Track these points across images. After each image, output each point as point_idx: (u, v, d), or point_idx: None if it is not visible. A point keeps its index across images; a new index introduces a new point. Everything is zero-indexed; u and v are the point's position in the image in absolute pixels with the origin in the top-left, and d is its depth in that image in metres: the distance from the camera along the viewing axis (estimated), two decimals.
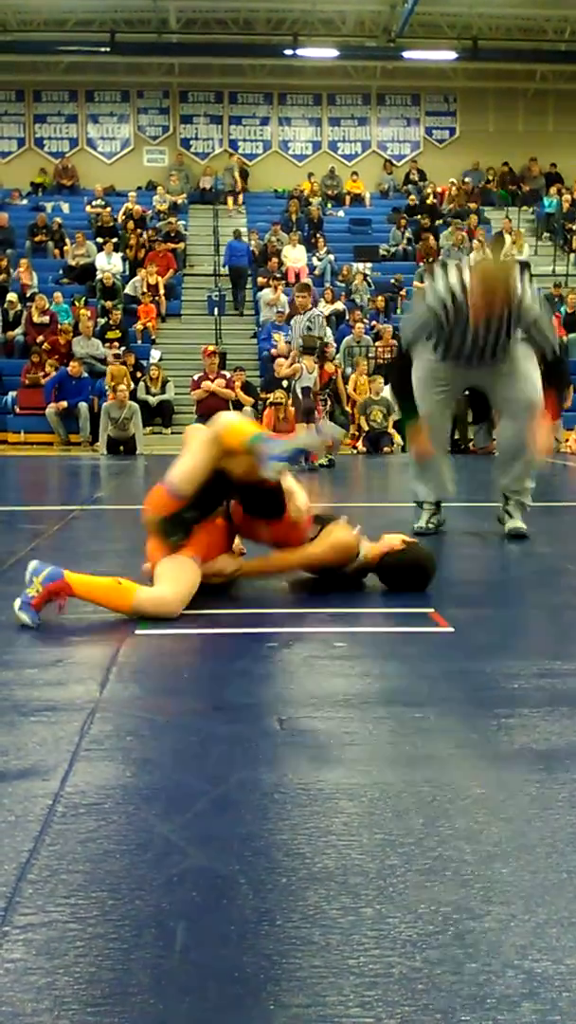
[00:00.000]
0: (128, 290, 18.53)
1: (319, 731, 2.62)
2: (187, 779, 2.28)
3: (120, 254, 19.32)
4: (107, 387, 14.57)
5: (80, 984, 1.52)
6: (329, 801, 2.16)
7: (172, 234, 19.82)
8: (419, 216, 20.45)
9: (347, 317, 17.04)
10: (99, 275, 18.59)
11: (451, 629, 3.66)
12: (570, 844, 1.97)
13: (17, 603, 3.65)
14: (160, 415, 16.17)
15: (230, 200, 21.28)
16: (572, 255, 19.78)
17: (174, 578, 3.83)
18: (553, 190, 21.55)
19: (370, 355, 16.09)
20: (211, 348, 14.98)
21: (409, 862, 1.88)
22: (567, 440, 13.48)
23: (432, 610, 3.93)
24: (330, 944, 1.62)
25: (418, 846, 1.95)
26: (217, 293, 18.79)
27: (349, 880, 1.81)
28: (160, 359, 17.11)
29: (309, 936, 1.64)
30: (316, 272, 19.02)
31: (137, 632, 3.58)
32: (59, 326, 16.99)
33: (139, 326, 17.93)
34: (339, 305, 17.42)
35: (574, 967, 1.56)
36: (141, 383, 16.26)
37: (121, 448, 13.43)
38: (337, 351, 15.61)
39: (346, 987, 1.51)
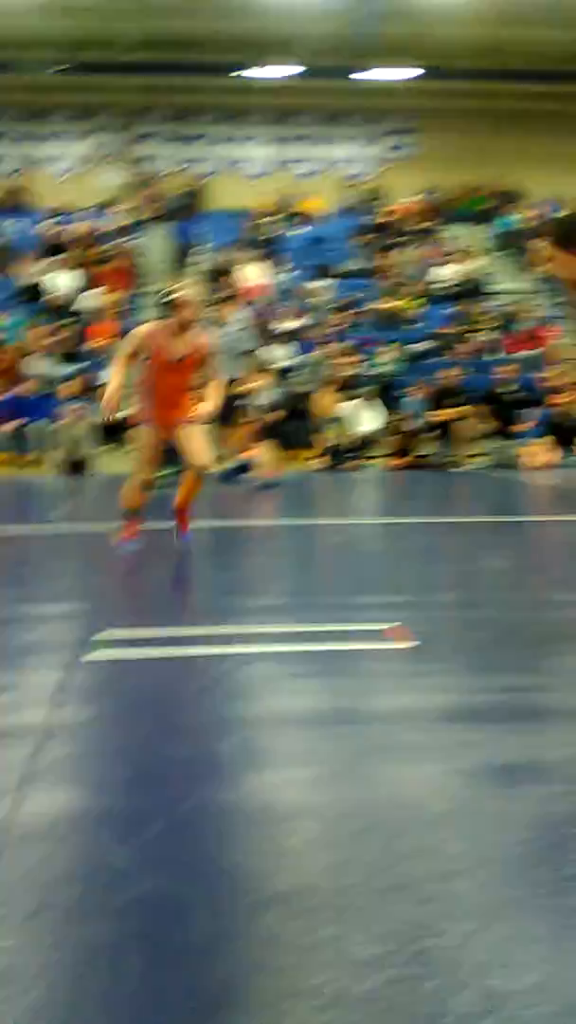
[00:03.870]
0: (79, 307, 18.44)
1: (277, 751, 2.60)
2: (142, 803, 2.25)
3: (73, 272, 19.23)
4: (60, 406, 14.49)
5: (34, 1011, 1.49)
6: (286, 821, 2.14)
7: (128, 252, 19.77)
8: (379, 234, 20.56)
9: (308, 334, 17.08)
10: (50, 294, 18.49)
11: (414, 644, 3.65)
12: (528, 860, 1.96)
13: None
14: (114, 433, 16.04)
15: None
16: (532, 273, 19.95)
17: None
18: (513, 208, 21.76)
19: (326, 371, 16.11)
20: None
21: (367, 881, 1.86)
22: (523, 455, 13.54)
23: (395, 624, 3.91)
24: (286, 966, 1.59)
25: (376, 865, 1.93)
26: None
27: (306, 901, 1.79)
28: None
29: (265, 959, 1.62)
30: (274, 290, 19.06)
31: (92, 655, 3.53)
32: (4, 346, 16.78)
33: (94, 344, 17.83)
34: (297, 322, 17.46)
35: (533, 983, 1.54)
36: (96, 402, 16.13)
37: (76, 468, 13.34)
38: (300, 368, 15.64)
39: (303, 1010, 1.49)
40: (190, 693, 3.15)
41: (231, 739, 2.68)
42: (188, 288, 5.93)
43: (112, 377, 5.76)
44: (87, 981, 1.57)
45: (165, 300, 5.77)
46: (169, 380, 5.73)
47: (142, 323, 6.35)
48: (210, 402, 5.80)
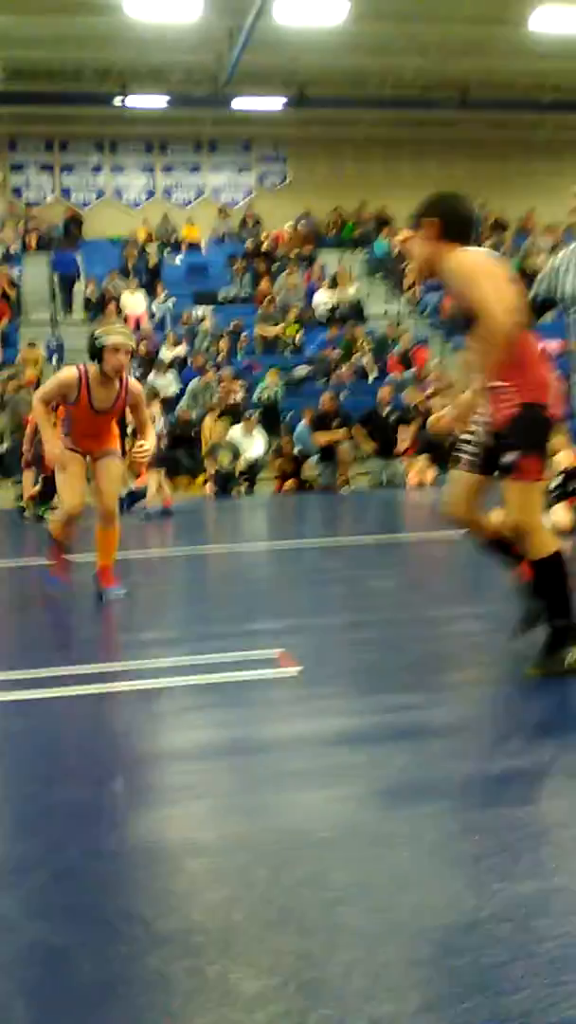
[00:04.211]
0: None
1: (165, 788, 2.59)
2: (27, 849, 2.22)
3: None
4: None
5: None
6: (173, 860, 2.14)
7: (7, 283, 19.50)
8: (255, 260, 20.74)
9: (189, 362, 17.09)
10: None
11: (298, 669, 3.67)
12: (411, 881, 1.99)
13: None
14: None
15: None
16: (403, 296, 20.35)
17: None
18: (384, 233, 22.19)
19: (211, 398, 16.15)
20: None
21: (253, 915, 1.87)
22: (408, 474, 13.77)
23: (280, 651, 3.94)
24: (173, 1008, 1.59)
25: (262, 898, 1.94)
26: (55, 341, 18.57)
27: (191, 940, 1.79)
28: None
29: (151, 1002, 1.61)
30: (156, 318, 19.03)
31: None
32: None
33: None
34: (180, 350, 17.47)
35: (419, 1005, 1.57)
36: None
37: None
38: (182, 395, 15.63)
39: None
40: (77, 734, 3.11)
41: (118, 779, 2.65)
42: (118, 333, 5.33)
43: (42, 429, 5.34)
44: None
45: (94, 344, 5.24)
46: (92, 425, 5.39)
47: (65, 367, 5.78)
48: (148, 441, 5.42)
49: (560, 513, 7.44)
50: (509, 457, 3.29)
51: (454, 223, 3.33)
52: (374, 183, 22.95)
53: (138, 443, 5.44)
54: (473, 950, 1.72)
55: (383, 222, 22.61)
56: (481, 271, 3.21)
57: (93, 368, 5.24)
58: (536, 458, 3.30)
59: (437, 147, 23.58)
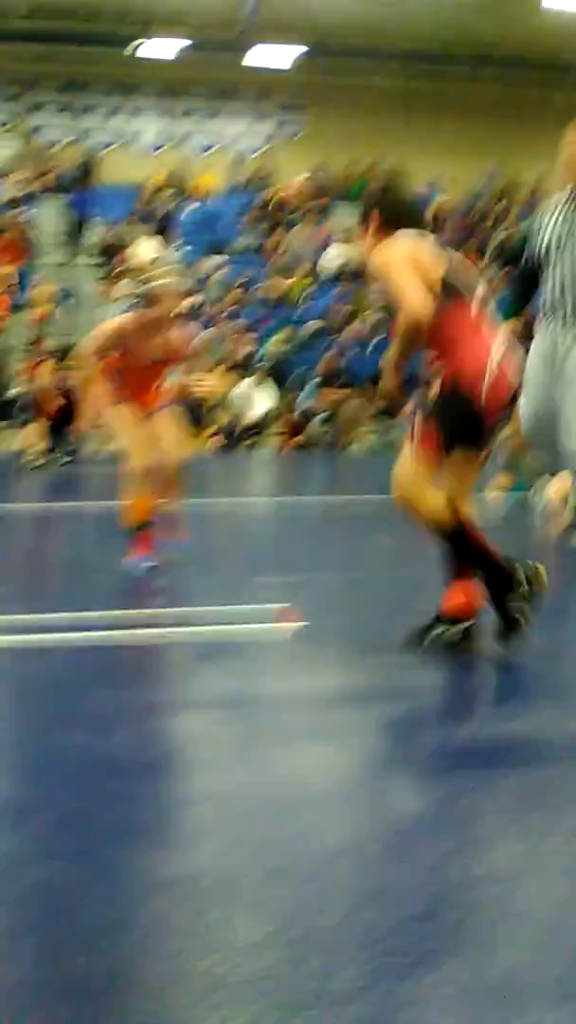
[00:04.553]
0: None
1: (167, 737, 2.65)
2: (32, 791, 2.28)
3: None
4: None
5: None
6: (177, 807, 2.20)
7: (23, 223, 19.38)
8: (269, 211, 20.58)
9: (202, 313, 17.01)
10: None
11: (300, 625, 3.72)
12: (405, 839, 2.05)
13: None
14: (3, 410, 15.79)
15: None
16: None
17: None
18: None
19: (220, 351, 16.11)
20: None
21: (253, 864, 1.93)
22: None
23: (284, 606, 3.98)
24: (174, 951, 1.65)
25: (262, 848, 2.00)
26: (68, 284, 18.48)
27: (193, 886, 1.85)
28: (10, 352, 16.73)
29: (156, 944, 1.67)
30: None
31: None
32: None
33: None
34: (195, 299, 17.38)
35: (411, 960, 1.63)
36: None
37: None
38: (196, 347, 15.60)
39: (193, 992, 1.54)
40: (82, 680, 3.17)
41: (123, 727, 2.71)
42: (168, 278, 4.87)
43: (84, 385, 5.02)
44: None
45: (141, 291, 4.88)
46: (143, 377, 4.93)
47: (115, 317, 5.40)
48: (212, 380, 5.16)
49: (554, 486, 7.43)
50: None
51: (391, 211, 3.34)
52: (392, 138, 22.64)
53: (196, 377, 5.16)
54: (464, 908, 1.79)
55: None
56: (394, 262, 3.22)
57: (142, 315, 4.82)
58: (442, 434, 3.25)
59: (454, 104, 23.30)
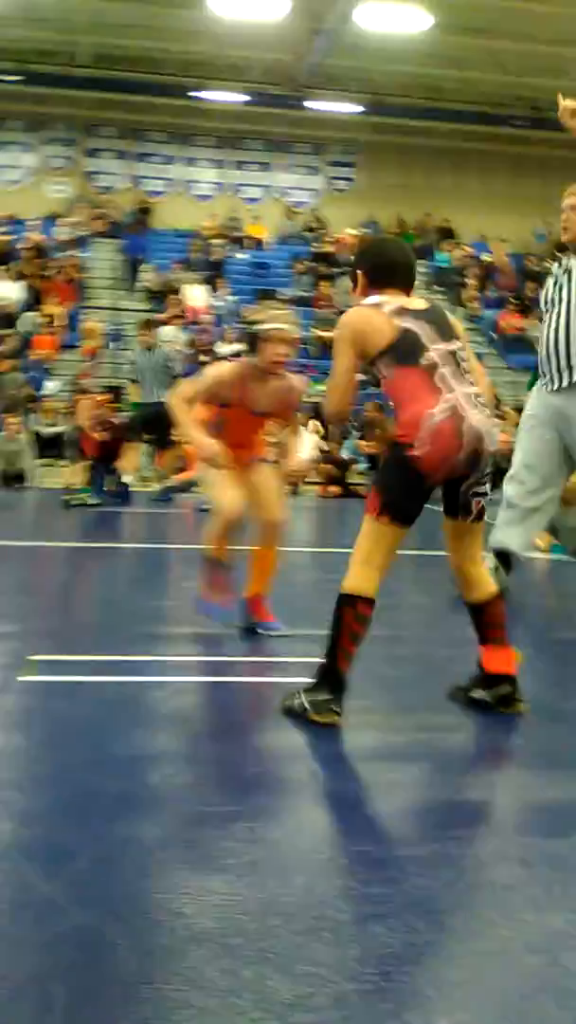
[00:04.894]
0: (23, 318, 18.34)
1: (204, 785, 2.64)
2: (68, 835, 2.27)
3: (19, 283, 19.14)
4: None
5: None
6: (211, 860, 2.18)
7: (74, 266, 19.72)
8: (317, 263, 20.81)
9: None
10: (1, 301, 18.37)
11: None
12: (443, 904, 2.02)
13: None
14: (54, 447, 16.00)
15: None
16: (461, 309, 20.30)
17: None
18: (446, 245, 22.17)
19: None
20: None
21: (289, 922, 1.91)
22: None
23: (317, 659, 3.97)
24: (208, 1007, 1.63)
25: (298, 906, 1.98)
26: (116, 327, 18.73)
27: (229, 941, 1.83)
28: (57, 391, 16.96)
29: (188, 999, 1.66)
30: (216, 312, 19.14)
31: (21, 679, 3.54)
32: None
33: (36, 356, 17.75)
34: (239, 346, 17.56)
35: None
36: (35, 414, 16.08)
37: (12, 481, 13.21)
38: None
39: None
40: (122, 721, 3.17)
41: (160, 771, 2.71)
42: (281, 319, 4.28)
43: (185, 427, 4.30)
44: (9, 1015, 1.59)
45: (251, 331, 4.32)
46: (245, 430, 4.45)
47: (222, 363, 4.82)
48: (301, 453, 4.74)
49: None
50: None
51: (376, 271, 3.33)
52: (441, 194, 22.91)
53: (291, 460, 4.65)
54: (502, 978, 1.76)
55: (446, 234, 22.59)
56: (339, 337, 3.29)
57: (249, 363, 4.29)
58: (378, 495, 3.18)
59: (507, 163, 23.51)
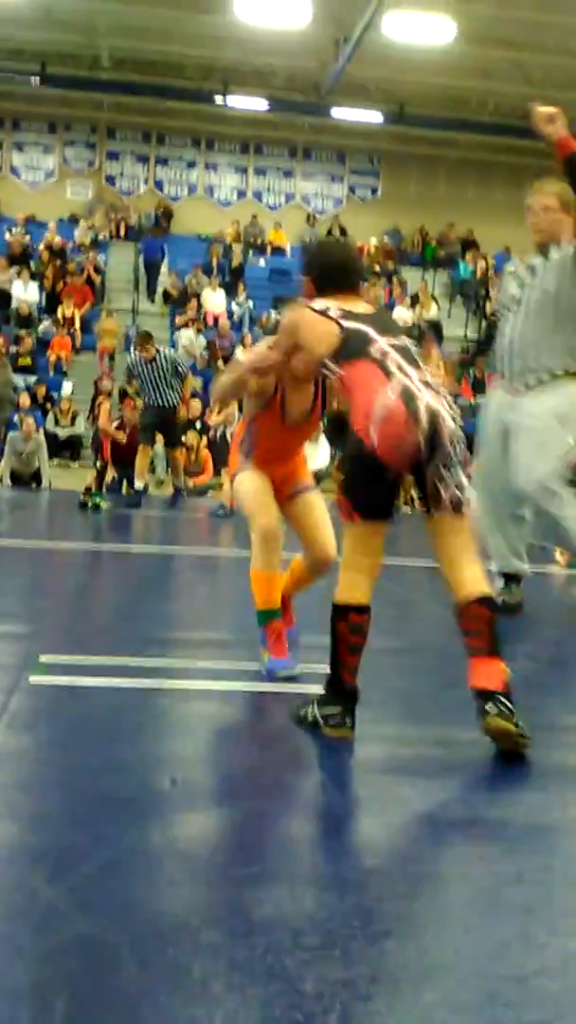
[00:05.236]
0: (41, 318, 18.37)
1: (213, 794, 2.59)
2: (75, 840, 2.22)
3: (36, 283, 19.18)
4: (14, 417, 14.35)
5: None
6: (220, 869, 2.13)
7: (92, 268, 19.75)
8: None
9: None
10: (15, 303, 18.41)
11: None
12: (460, 924, 1.97)
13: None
14: (68, 448, 16.02)
15: None
16: (483, 321, 20.26)
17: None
18: (469, 256, 22.13)
19: None
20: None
21: (297, 938, 1.86)
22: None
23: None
24: (215, 1021, 1.58)
25: (308, 921, 1.92)
26: (135, 329, 18.75)
27: (236, 955, 1.78)
28: (72, 392, 16.98)
29: (193, 1015, 1.60)
30: (235, 318, 19.14)
31: (31, 680, 3.50)
32: None
33: (52, 357, 17.79)
34: None
35: None
36: (50, 415, 16.10)
37: (27, 481, 13.20)
38: None
39: None
40: (131, 725, 3.12)
41: (168, 777, 2.66)
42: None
43: (230, 377, 3.96)
44: None
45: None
46: (282, 442, 4.03)
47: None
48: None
49: None
50: None
51: (322, 275, 3.35)
52: (465, 205, 22.88)
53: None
54: (518, 1004, 1.70)
55: (469, 244, 22.54)
56: (283, 327, 3.38)
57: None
58: (345, 497, 3.10)
59: (532, 175, 23.43)
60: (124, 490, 12.01)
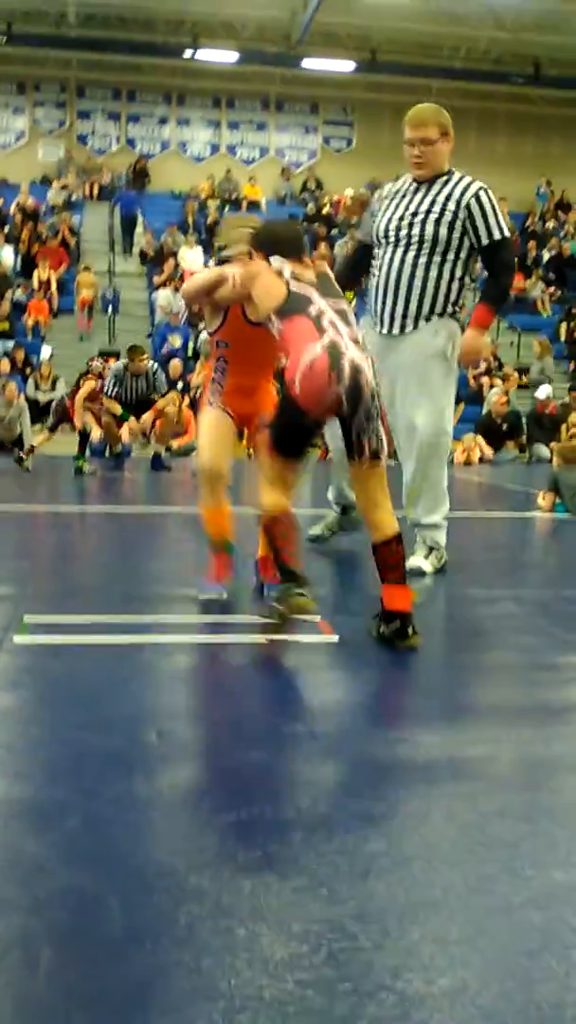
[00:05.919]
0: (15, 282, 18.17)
1: (198, 745, 2.58)
2: (59, 794, 2.22)
3: (11, 247, 18.95)
4: None
5: None
6: (206, 817, 2.13)
7: (66, 229, 19.51)
8: (315, 224, 20.59)
9: None
10: None
11: (336, 638, 3.66)
12: (446, 860, 1.97)
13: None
14: (49, 413, 15.90)
15: None
16: None
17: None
18: None
19: None
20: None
21: (284, 879, 1.86)
22: (458, 451, 13.71)
23: (319, 618, 3.92)
24: (201, 967, 1.58)
25: (293, 862, 1.92)
26: (112, 291, 18.57)
27: (223, 899, 1.78)
28: (51, 356, 16.84)
29: (180, 959, 1.60)
30: None
31: (16, 640, 3.48)
32: None
33: (30, 321, 17.62)
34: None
35: (446, 987, 1.55)
36: (31, 380, 15.97)
37: (9, 447, 13.11)
38: None
39: (215, 1011, 1.47)
40: (115, 682, 3.11)
41: (153, 731, 2.65)
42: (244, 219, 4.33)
43: (204, 280, 4.10)
44: None
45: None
46: (248, 353, 4.18)
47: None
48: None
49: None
50: None
51: (272, 250, 3.73)
52: None
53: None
54: (504, 935, 1.70)
55: None
56: (246, 270, 3.73)
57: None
58: (269, 435, 3.57)
59: (505, 122, 23.24)
60: (107, 453, 11.96)
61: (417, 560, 5.00)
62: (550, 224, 22.28)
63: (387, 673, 3.31)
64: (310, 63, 21.57)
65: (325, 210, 21.24)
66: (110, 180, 21.70)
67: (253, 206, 21.80)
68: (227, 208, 21.36)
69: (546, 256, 21.33)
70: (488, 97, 22.47)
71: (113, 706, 2.86)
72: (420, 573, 4.95)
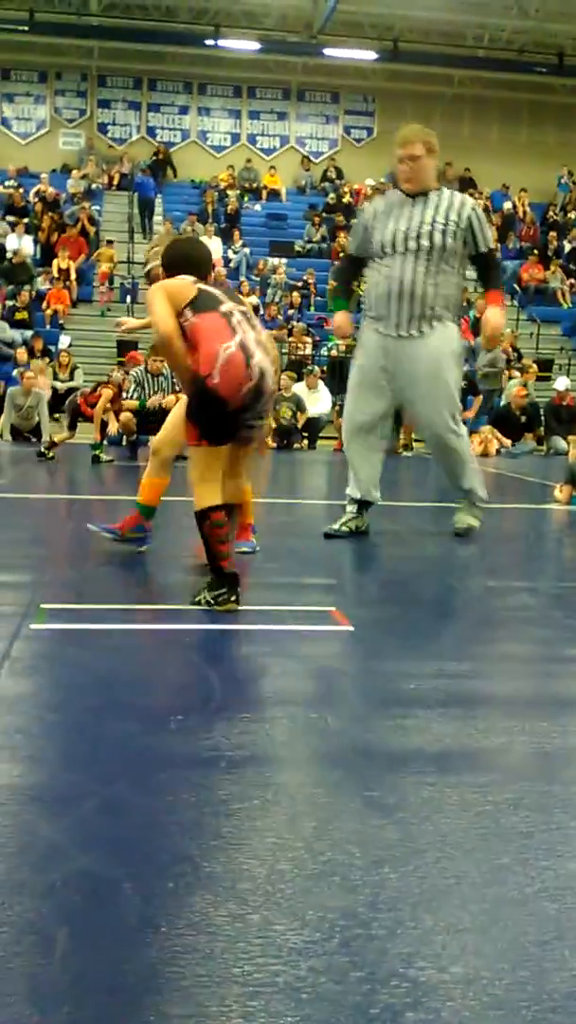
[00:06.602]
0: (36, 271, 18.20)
1: (214, 732, 2.59)
2: (76, 779, 2.23)
3: (31, 236, 18.97)
4: (14, 372, 14.27)
5: None
6: (220, 804, 2.14)
7: (86, 218, 19.51)
8: (335, 214, 20.53)
9: (261, 312, 17.00)
10: (9, 255, 18.22)
11: (351, 628, 3.66)
12: (459, 848, 1.97)
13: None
14: (66, 402, 15.92)
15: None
16: None
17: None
18: (470, 194, 21.86)
19: (283, 351, 16.09)
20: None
21: (298, 867, 1.86)
22: (474, 443, 13.68)
23: (333, 608, 3.93)
24: (215, 952, 1.59)
25: (308, 850, 1.93)
26: (130, 280, 18.58)
27: (237, 886, 1.79)
28: (70, 345, 16.85)
29: (194, 944, 1.61)
30: (231, 265, 18.95)
31: (32, 627, 3.50)
32: None
33: (49, 310, 17.64)
34: (254, 299, 17.39)
35: (459, 975, 1.55)
36: (49, 369, 15.98)
37: (27, 435, 13.15)
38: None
39: (229, 996, 1.48)
40: (132, 669, 3.13)
41: (169, 717, 2.66)
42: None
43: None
44: (12, 960, 1.55)
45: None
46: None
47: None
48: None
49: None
50: None
51: (171, 267, 4.09)
52: (462, 143, 22.51)
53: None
54: (516, 924, 1.71)
55: (467, 183, 22.23)
56: (153, 294, 3.92)
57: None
58: (193, 427, 3.85)
59: (527, 111, 23.09)
60: (123, 442, 11.97)
61: (467, 519, 5.82)
62: (572, 215, 22.15)
63: (401, 663, 3.31)
64: (332, 52, 21.47)
65: (346, 199, 21.16)
66: (130, 169, 21.68)
67: (273, 196, 21.75)
68: (247, 198, 21.32)
69: (567, 247, 21.21)
70: (511, 87, 22.31)
71: (129, 692, 2.88)
72: (469, 529, 5.78)
